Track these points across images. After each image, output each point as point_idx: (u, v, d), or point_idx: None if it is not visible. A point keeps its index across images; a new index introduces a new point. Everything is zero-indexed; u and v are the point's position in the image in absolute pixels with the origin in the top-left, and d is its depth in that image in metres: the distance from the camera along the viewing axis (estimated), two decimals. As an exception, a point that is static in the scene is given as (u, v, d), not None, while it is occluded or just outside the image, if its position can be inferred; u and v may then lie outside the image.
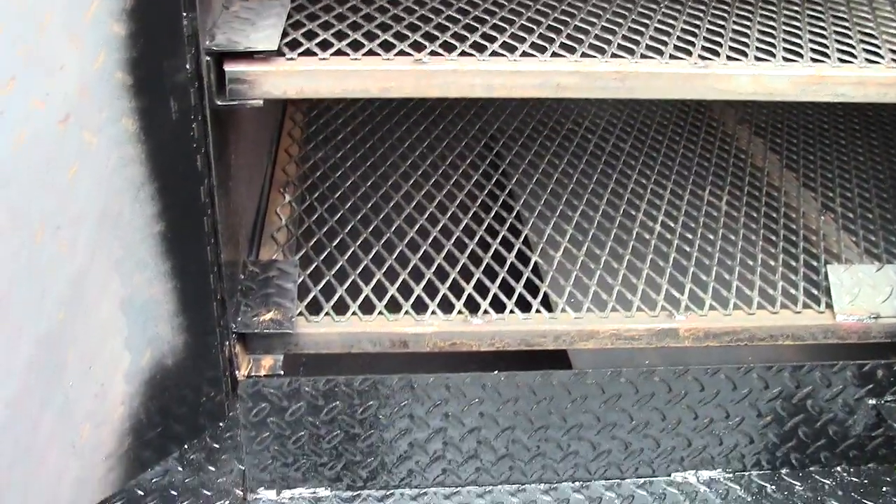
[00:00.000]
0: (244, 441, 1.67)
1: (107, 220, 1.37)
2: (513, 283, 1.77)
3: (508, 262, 1.84)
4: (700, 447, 1.79)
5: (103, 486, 1.52)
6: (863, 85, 1.57)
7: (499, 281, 1.77)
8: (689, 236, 1.97)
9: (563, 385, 1.68)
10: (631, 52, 1.56)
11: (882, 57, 1.61)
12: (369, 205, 2.01)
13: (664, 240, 1.96)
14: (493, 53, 1.52)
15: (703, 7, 1.85)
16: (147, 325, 1.47)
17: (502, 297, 1.73)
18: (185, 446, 1.69)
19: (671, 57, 1.55)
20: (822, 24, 1.78)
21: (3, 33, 1.14)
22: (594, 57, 1.53)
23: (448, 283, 1.77)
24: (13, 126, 1.18)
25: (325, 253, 1.83)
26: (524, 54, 1.52)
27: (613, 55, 1.54)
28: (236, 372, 1.63)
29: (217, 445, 1.73)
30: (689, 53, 1.57)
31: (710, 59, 1.55)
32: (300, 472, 1.70)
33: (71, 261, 1.33)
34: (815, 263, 1.90)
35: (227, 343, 1.62)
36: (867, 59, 1.60)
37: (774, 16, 1.82)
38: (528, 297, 1.74)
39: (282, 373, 1.64)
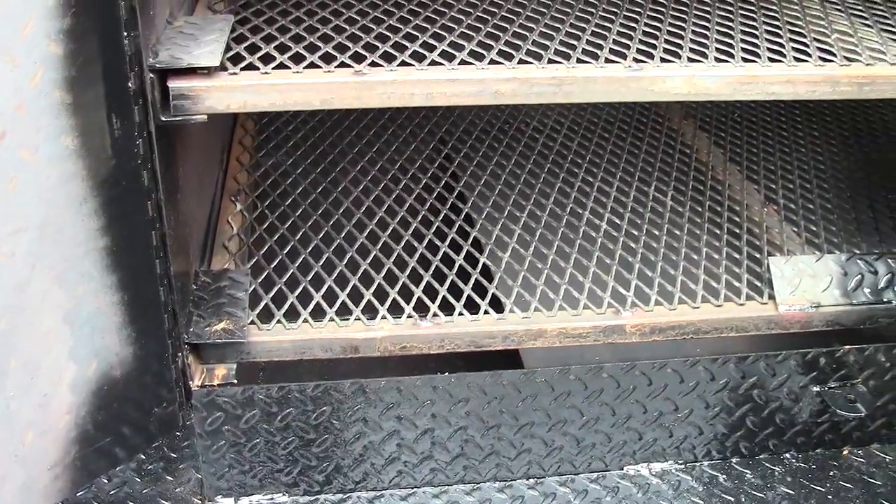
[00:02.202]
0: (200, 450, 1.69)
1: (48, 234, 1.39)
2: (462, 285, 1.80)
3: (457, 265, 1.86)
4: (651, 440, 1.83)
5: (49, 493, 1.55)
6: (792, 83, 1.61)
7: (447, 284, 1.80)
8: (635, 233, 2.01)
9: (513, 384, 1.71)
10: (567, 57, 1.59)
11: (810, 55, 1.66)
12: (319, 211, 2.03)
13: (610, 237, 2.00)
14: (433, 62, 1.55)
15: (639, 10, 1.89)
16: (93, 337, 1.49)
17: (451, 299, 1.76)
18: (142, 456, 1.72)
19: (606, 61, 1.59)
20: (753, 24, 1.83)
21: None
22: (531, 63, 1.56)
23: (398, 288, 1.79)
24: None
25: (277, 261, 1.85)
26: (462, 62, 1.55)
27: (550, 61, 1.58)
28: (190, 382, 1.64)
29: (174, 455, 1.75)
30: (624, 57, 1.61)
31: (644, 61, 1.59)
32: (257, 479, 1.72)
33: (10, 272, 1.35)
34: (758, 256, 1.95)
35: (180, 354, 1.64)
36: (796, 58, 1.64)
37: (708, 17, 1.86)
38: (477, 299, 1.77)
39: (235, 381, 1.65)
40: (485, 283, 1.82)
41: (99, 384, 1.53)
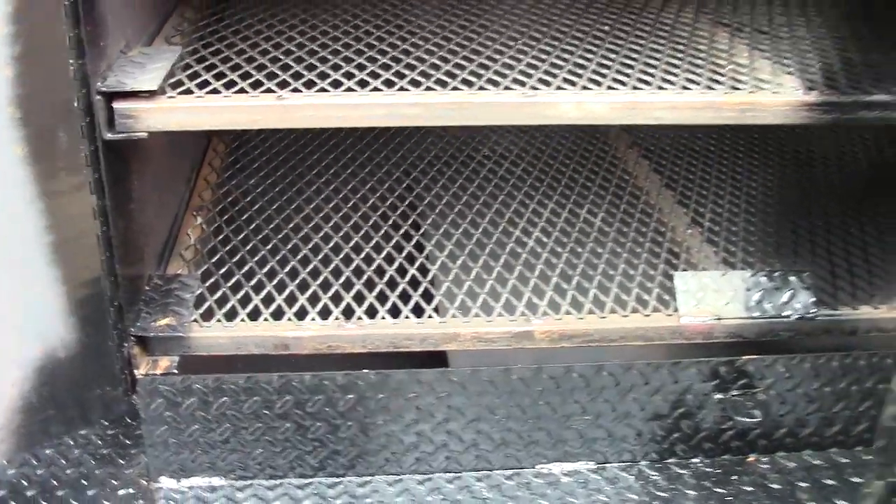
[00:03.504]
0: (145, 434, 1.88)
1: None
2: (388, 292, 1.98)
3: (388, 275, 2.04)
4: (562, 440, 1.97)
5: None
6: (676, 109, 1.78)
7: (376, 291, 1.98)
8: (559, 249, 2.17)
9: (429, 383, 1.87)
10: (471, 84, 1.78)
11: (698, 84, 1.82)
12: (271, 226, 2.24)
13: (534, 253, 2.16)
14: (348, 89, 1.75)
15: (556, 41, 2.08)
16: (40, 321, 1.71)
17: (377, 304, 1.94)
18: (98, 441, 1.92)
19: (506, 88, 1.77)
20: (659, 54, 2.00)
21: None
22: (435, 90, 1.75)
23: (330, 293, 1.98)
24: None
25: (225, 268, 2.05)
26: (374, 89, 1.75)
27: (454, 88, 1.76)
28: (135, 371, 1.84)
29: (127, 441, 1.95)
30: (524, 84, 1.79)
31: (539, 88, 1.77)
32: (196, 462, 1.90)
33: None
34: (672, 272, 2.09)
35: (126, 344, 1.84)
36: (683, 87, 1.81)
37: (619, 47, 2.04)
38: (400, 305, 1.95)
39: (176, 372, 1.85)
40: (410, 291, 2.00)
41: (43, 363, 1.75)
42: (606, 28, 2.20)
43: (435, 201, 2.43)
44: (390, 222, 2.30)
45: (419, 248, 2.20)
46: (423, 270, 2.11)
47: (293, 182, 2.45)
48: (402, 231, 2.27)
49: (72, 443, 1.93)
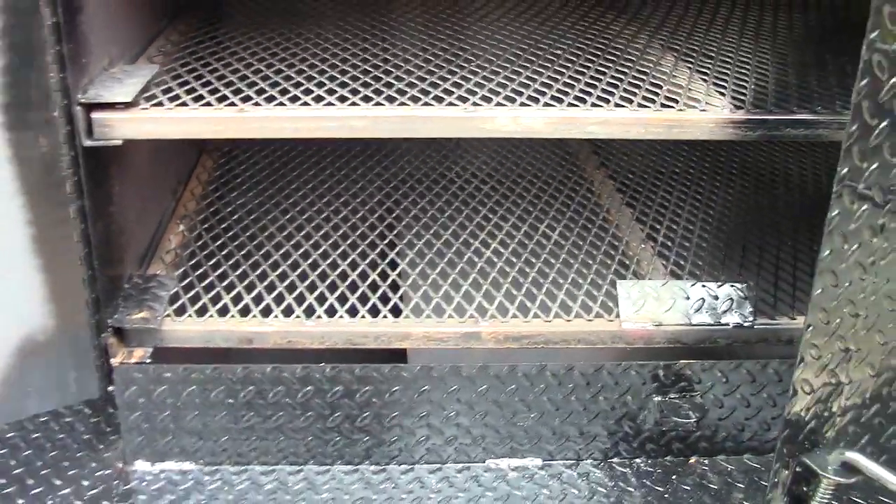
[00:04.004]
0: (121, 419, 2.03)
1: None
2: (348, 294, 2.13)
3: (350, 279, 2.20)
4: (508, 437, 2.09)
5: None
6: (607, 124, 1.92)
7: (337, 293, 2.13)
8: (513, 259, 2.32)
9: (384, 379, 2.01)
10: (417, 100, 1.94)
11: (632, 102, 1.96)
12: (247, 234, 2.41)
13: (490, 262, 2.31)
14: (303, 104, 1.91)
15: (510, 61, 2.25)
16: (19, 305, 1.92)
17: (337, 305, 2.09)
18: (80, 427, 2.09)
19: (450, 104, 1.93)
20: (602, 74, 2.15)
21: None
22: (383, 105, 1.91)
23: (294, 294, 2.13)
24: None
25: (200, 270, 2.21)
26: (328, 104, 1.91)
27: (401, 103, 1.92)
28: (112, 360, 2.01)
29: (107, 427, 2.11)
30: (466, 100, 1.94)
31: (480, 104, 1.92)
32: (168, 447, 2.05)
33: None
34: (618, 281, 2.22)
35: (103, 334, 2.00)
36: (616, 104, 1.95)
37: (567, 68, 2.20)
38: (359, 306, 2.09)
39: (148, 361, 2.01)
40: (368, 293, 2.15)
41: (23, 343, 1.96)
42: (560, 50, 2.36)
43: (402, 215, 2.60)
44: (358, 232, 2.46)
45: (382, 255, 2.36)
46: (384, 275, 2.26)
47: (273, 196, 2.63)
48: (368, 240, 2.42)
49: (55, 427, 2.10)
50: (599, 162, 2.89)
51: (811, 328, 1.55)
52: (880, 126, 1.41)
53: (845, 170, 1.44)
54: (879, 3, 1.35)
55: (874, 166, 1.43)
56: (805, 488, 1.64)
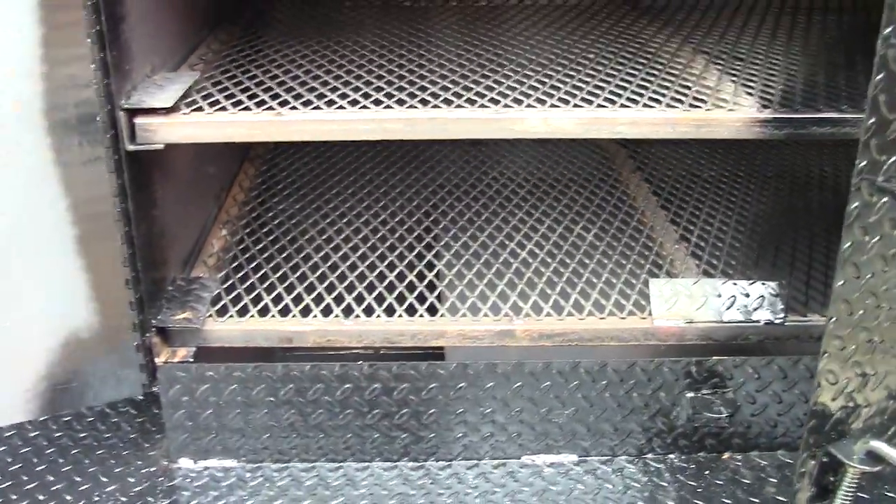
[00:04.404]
0: (165, 417, 2.10)
1: (24, 219, 1.92)
2: (386, 294, 2.18)
3: (388, 280, 2.24)
4: (544, 433, 2.12)
5: (24, 411, 2.10)
6: (636, 124, 1.95)
7: (375, 293, 2.18)
8: (548, 260, 2.35)
9: (420, 376, 2.05)
10: (450, 103, 1.99)
11: (660, 102, 1.99)
12: (287, 238, 2.47)
13: (525, 263, 2.34)
14: (339, 107, 1.97)
15: (543, 65, 2.29)
16: (64, 302, 2.00)
17: (374, 305, 2.14)
18: (127, 427, 2.16)
19: (481, 106, 1.97)
20: (633, 77, 2.18)
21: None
22: (416, 108, 1.96)
23: (333, 295, 2.18)
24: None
25: (242, 273, 2.27)
26: (363, 107, 1.97)
27: (434, 106, 1.97)
28: (156, 359, 2.07)
29: (152, 427, 2.18)
30: (498, 102, 1.99)
31: (511, 106, 1.97)
32: (211, 445, 2.10)
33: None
34: (650, 280, 2.24)
35: (148, 334, 2.07)
36: (645, 104, 1.98)
37: (598, 71, 2.24)
38: (396, 305, 2.14)
39: (192, 360, 2.07)
40: (406, 293, 2.19)
41: (67, 340, 2.04)
42: (592, 55, 2.41)
43: (440, 218, 2.64)
44: (396, 235, 2.51)
45: (420, 257, 2.41)
46: (421, 276, 2.30)
47: (312, 201, 2.70)
48: (406, 243, 2.48)
49: (102, 427, 2.17)
50: (635, 166, 2.92)
51: (834, 320, 1.57)
52: (897, 119, 1.43)
53: (863, 163, 1.46)
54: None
55: (892, 159, 1.45)
56: (832, 478, 1.65)
